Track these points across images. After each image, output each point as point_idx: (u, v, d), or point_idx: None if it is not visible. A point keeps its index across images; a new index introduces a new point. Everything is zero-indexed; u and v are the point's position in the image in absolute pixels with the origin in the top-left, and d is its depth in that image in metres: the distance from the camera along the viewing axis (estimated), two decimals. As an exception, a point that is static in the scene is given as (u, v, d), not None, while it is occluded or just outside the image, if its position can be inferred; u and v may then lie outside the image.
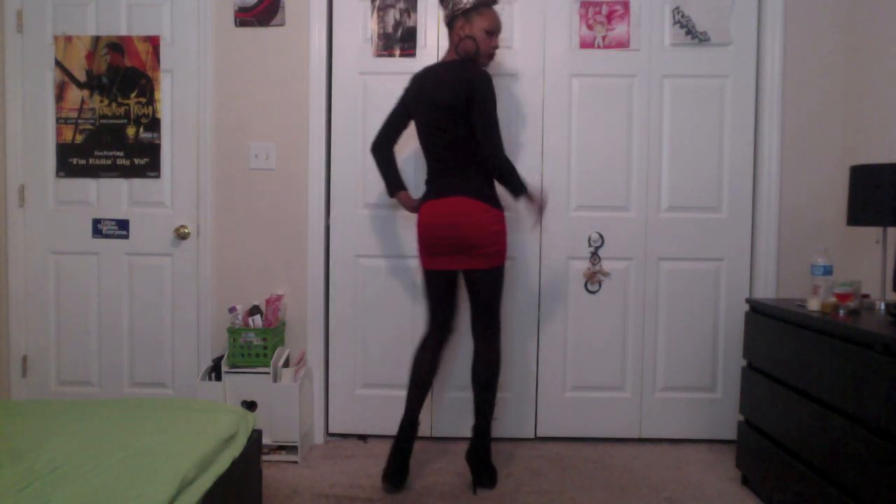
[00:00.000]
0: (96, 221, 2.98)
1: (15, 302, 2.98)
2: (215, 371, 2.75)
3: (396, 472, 2.42)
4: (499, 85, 2.89)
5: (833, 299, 2.10)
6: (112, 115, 2.95)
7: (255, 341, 2.71)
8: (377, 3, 2.88)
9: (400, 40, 2.89)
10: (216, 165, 2.93)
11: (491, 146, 2.29)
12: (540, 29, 2.89)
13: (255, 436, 2.05)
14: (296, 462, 2.70)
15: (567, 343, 2.96)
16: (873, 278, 2.57)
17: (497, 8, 2.48)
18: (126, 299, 2.99)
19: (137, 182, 2.96)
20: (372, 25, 2.90)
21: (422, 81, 2.44)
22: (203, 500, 1.57)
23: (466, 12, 2.36)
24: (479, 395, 2.43)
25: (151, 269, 2.98)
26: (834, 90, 2.85)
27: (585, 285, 2.94)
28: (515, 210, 2.91)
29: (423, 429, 2.95)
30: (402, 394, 2.93)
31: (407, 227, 2.92)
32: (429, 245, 2.41)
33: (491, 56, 2.45)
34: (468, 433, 2.65)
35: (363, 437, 2.98)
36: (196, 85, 2.91)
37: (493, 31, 2.39)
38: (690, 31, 2.87)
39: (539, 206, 2.40)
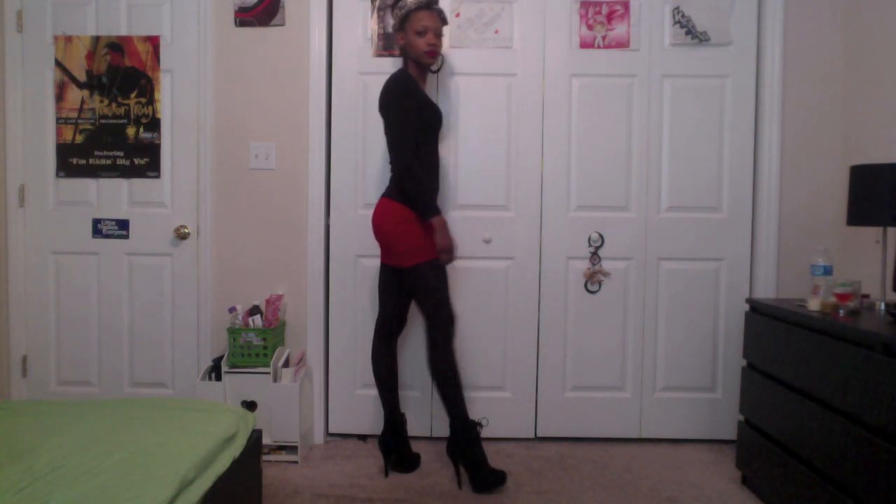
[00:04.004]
0: (96, 221, 2.98)
1: (15, 302, 2.98)
2: (215, 371, 2.75)
3: (397, 464, 2.60)
4: (499, 85, 2.89)
5: (833, 299, 2.09)
6: (112, 115, 2.95)
7: (255, 341, 2.71)
8: (377, 3, 2.88)
9: (400, 40, 2.88)
10: (216, 165, 2.93)
11: (394, 157, 2.39)
12: (540, 29, 2.89)
13: (255, 436, 2.05)
14: (296, 462, 2.70)
15: (567, 343, 2.96)
16: (873, 278, 2.57)
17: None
18: (126, 299, 2.99)
19: (137, 182, 2.96)
20: (372, 25, 2.90)
21: None
22: (203, 500, 1.57)
23: (400, 24, 2.48)
24: (437, 390, 2.48)
25: (151, 269, 2.98)
26: (834, 90, 2.85)
27: (585, 285, 2.94)
28: (516, 209, 2.92)
29: (423, 429, 2.96)
30: (402, 394, 2.94)
31: (407, 227, 2.92)
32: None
33: (430, 54, 2.46)
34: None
35: (363, 437, 2.98)
36: (196, 85, 2.91)
37: (423, 31, 2.44)
38: (690, 31, 2.87)
39: (443, 246, 2.38)
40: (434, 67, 2.63)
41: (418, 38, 2.44)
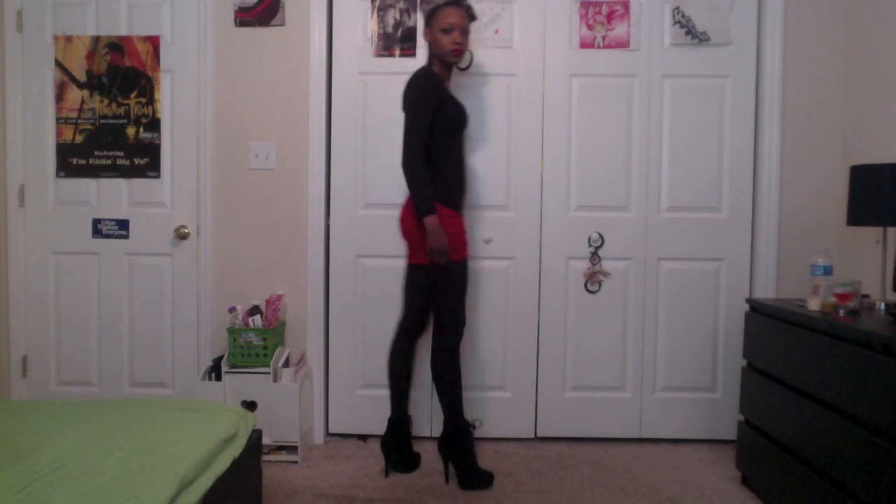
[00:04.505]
0: (96, 221, 2.98)
1: (15, 302, 2.98)
2: (215, 371, 2.75)
3: (398, 465, 2.59)
4: (499, 85, 2.89)
5: (833, 299, 2.09)
6: (112, 115, 2.95)
7: (255, 341, 2.71)
8: (377, 3, 2.88)
9: (400, 40, 2.88)
10: (216, 165, 2.93)
11: (402, 154, 2.37)
12: (540, 29, 2.89)
13: (255, 436, 2.05)
14: (296, 462, 2.70)
15: (567, 343, 2.96)
16: (873, 278, 2.57)
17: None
18: (126, 299, 2.99)
19: (137, 182, 2.96)
20: (372, 25, 2.90)
21: None
22: (203, 500, 1.57)
23: (428, 20, 2.45)
24: (436, 387, 2.50)
25: (151, 269, 2.98)
26: (834, 90, 2.85)
27: (585, 285, 2.94)
28: (516, 209, 2.91)
29: (423, 429, 2.96)
30: (402, 394, 2.95)
31: (407, 227, 2.92)
32: None
33: (456, 52, 2.42)
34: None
35: (363, 437, 2.98)
36: (196, 85, 2.91)
37: (449, 28, 2.39)
38: (690, 31, 2.87)
39: (433, 247, 2.34)
40: (463, 65, 2.58)
41: (444, 36, 2.40)
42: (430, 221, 2.34)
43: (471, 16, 2.48)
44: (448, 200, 2.43)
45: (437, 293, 2.45)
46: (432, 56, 2.48)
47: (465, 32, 2.43)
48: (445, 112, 2.41)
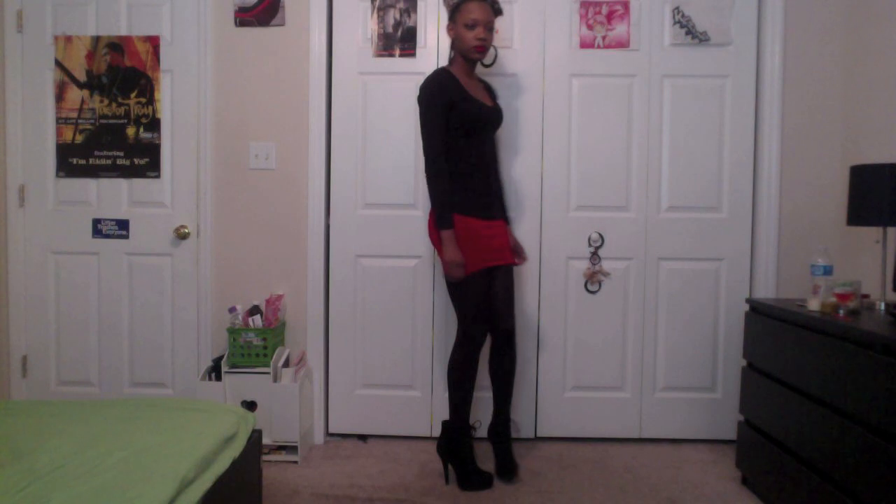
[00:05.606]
0: (96, 221, 2.98)
1: (15, 302, 2.98)
2: (215, 371, 2.75)
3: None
4: (499, 85, 2.89)
5: (833, 299, 2.09)
6: (112, 115, 2.95)
7: (255, 341, 2.71)
8: (377, 3, 2.88)
9: (400, 40, 2.88)
10: (216, 165, 2.93)
11: (425, 164, 2.34)
12: (540, 29, 2.89)
13: (255, 436, 2.05)
14: (296, 462, 2.70)
15: (567, 343, 2.96)
16: (873, 278, 2.57)
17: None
18: (126, 299, 2.99)
19: (137, 182, 2.96)
20: (372, 25, 2.90)
21: None
22: (203, 500, 1.57)
23: (451, 15, 2.42)
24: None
25: (151, 269, 2.98)
26: (834, 90, 2.85)
27: (585, 285, 2.94)
28: (517, 209, 2.91)
29: (425, 429, 2.96)
30: (402, 394, 2.96)
31: (406, 227, 2.92)
32: None
33: (479, 49, 2.37)
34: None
35: (363, 437, 2.98)
36: (196, 85, 2.91)
37: (472, 24, 2.34)
38: (690, 31, 2.87)
39: (448, 259, 2.32)
40: (487, 62, 2.54)
41: (467, 32, 2.35)
42: (445, 235, 2.32)
43: (496, 10, 2.42)
44: (466, 208, 2.37)
45: (452, 301, 2.45)
46: (455, 52, 2.44)
47: (489, 28, 2.37)
48: (458, 113, 2.34)
